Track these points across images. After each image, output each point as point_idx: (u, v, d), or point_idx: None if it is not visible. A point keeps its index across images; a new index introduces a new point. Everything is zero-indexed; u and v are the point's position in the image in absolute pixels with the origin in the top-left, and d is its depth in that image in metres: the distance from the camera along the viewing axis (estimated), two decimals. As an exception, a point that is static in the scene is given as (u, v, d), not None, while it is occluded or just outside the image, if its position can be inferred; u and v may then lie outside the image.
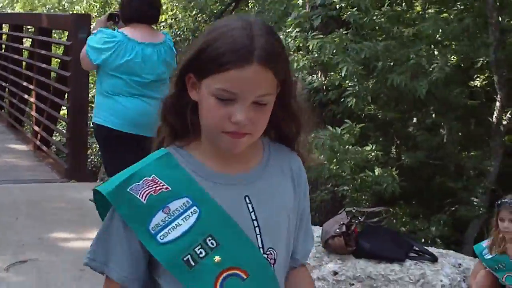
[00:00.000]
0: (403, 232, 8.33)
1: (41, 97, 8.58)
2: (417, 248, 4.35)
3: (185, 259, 1.35)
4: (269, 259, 1.42)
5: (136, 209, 1.37)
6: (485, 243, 4.12)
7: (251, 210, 1.42)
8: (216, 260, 1.35)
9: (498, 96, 9.20)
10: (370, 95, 8.68)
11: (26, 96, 9.57)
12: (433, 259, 4.22)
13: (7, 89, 10.80)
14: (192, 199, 1.38)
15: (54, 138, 9.77)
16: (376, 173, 7.90)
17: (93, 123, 4.69)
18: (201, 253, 1.35)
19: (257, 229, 1.42)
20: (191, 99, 1.40)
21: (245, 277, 1.37)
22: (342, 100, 8.42)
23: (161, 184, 1.39)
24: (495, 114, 9.45)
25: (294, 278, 1.57)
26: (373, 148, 8.14)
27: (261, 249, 1.41)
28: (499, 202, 4.11)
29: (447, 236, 9.11)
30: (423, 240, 8.49)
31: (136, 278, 1.42)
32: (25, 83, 9.34)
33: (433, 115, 10.23)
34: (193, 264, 1.35)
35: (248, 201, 1.43)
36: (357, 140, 8.01)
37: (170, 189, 1.38)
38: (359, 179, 8.09)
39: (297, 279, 1.57)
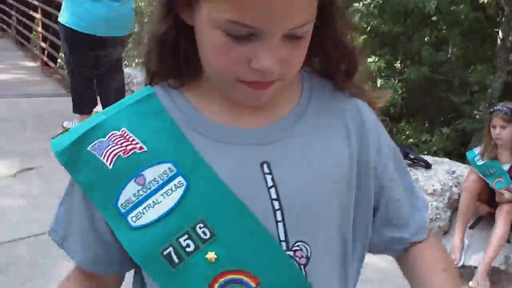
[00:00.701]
0: (400, 142, 8.43)
1: (47, 13, 8.60)
2: (412, 156, 4.46)
3: (165, 253, 0.93)
4: (296, 258, 0.95)
5: (100, 177, 0.96)
6: (477, 150, 4.23)
7: (270, 184, 0.95)
8: (209, 258, 0.92)
9: (505, 11, 9.11)
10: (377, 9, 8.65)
11: (32, 13, 9.59)
12: (427, 166, 4.35)
13: (14, 7, 10.81)
14: (178, 165, 0.94)
15: (61, 54, 9.88)
16: (379, 85, 7.93)
17: (58, 22, 5.06)
18: (188, 246, 0.93)
19: (278, 213, 0.94)
20: (183, 22, 0.95)
21: (254, 285, 0.92)
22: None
23: (133, 142, 0.96)
24: (501, 29, 9.39)
25: (409, 264, 1.10)
26: (376, 60, 8.15)
27: (284, 243, 0.94)
28: (491, 109, 4.20)
29: (450, 149, 9.23)
30: (425, 153, 8.61)
31: (105, 261, 1.02)
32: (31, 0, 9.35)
33: (439, 31, 10.16)
34: (177, 261, 0.93)
35: (266, 171, 0.95)
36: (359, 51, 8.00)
37: (146, 149, 0.95)
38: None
39: (415, 263, 1.09)
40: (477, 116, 9.02)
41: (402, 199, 1.08)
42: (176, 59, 0.98)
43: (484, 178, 4.11)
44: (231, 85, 0.91)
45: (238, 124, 0.98)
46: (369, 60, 8.07)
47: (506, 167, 4.07)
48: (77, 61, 5.00)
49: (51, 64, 8.79)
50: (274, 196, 0.94)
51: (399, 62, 10.28)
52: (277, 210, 0.94)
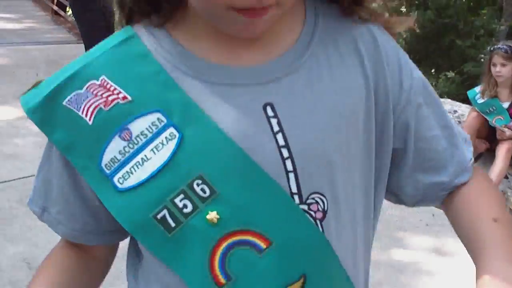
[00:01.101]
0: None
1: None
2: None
3: (158, 217, 0.81)
4: (311, 212, 0.83)
5: (79, 135, 0.84)
6: (478, 89, 4.37)
7: (276, 129, 0.81)
8: (210, 219, 0.80)
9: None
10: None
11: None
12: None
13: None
14: (168, 114, 0.82)
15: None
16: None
17: None
18: (185, 206, 0.81)
19: (288, 162, 0.81)
20: None
21: (264, 246, 0.81)
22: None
23: (115, 91, 0.83)
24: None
25: (454, 212, 0.94)
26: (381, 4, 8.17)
27: (296, 196, 0.82)
28: (491, 48, 4.31)
29: (455, 93, 9.30)
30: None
31: (96, 231, 0.92)
32: None
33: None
34: (174, 225, 0.81)
35: (271, 114, 0.82)
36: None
37: (130, 98, 0.83)
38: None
39: (459, 212, 0.92)
40: (482, 60, 9.08)
41: (435, 137, 0.92)
42: None
43: (484, 116, 4.25)
44: (221, 15, 0.77)
45: (235, 63, 0.84)
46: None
47: (505, 105, 4.21)
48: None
49: (61, 13, 8.89)
50: (282, 142, 0.81)
51: (404, 7, 10.27)
52: (287, 158, 0.81)
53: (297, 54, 0.85)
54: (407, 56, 0.93)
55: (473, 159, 0.96)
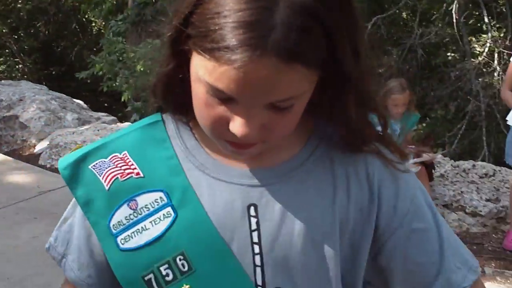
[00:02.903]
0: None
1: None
2: None
3: (146, 278, 0.96)
4: None
5: (96, 196, 1.00)
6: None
7: (254, 227, 0.95)
8: None
9: None
10: None
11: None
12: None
13: None
14: (170, 195, 0.97)
15: None
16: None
17: None
18: (167, 275, 0.96)
19: (257, 257, 0.94)
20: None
21: None
22: None
23: (131, 166, 0.99)
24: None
25: None
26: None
27: None
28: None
29: None
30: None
31: (96, 284, 1.06)
32: None
33: None
34: None
35: (252, 213, 0.95)
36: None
37: (142, 175, 0.99)
38: None
39: None
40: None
41: (424, 261, 0.99)
42: (181, 95, 0.96)
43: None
44: (215, 138, 0.92)
45: (235, 164, 0.97)
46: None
47: None
48: None
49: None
50: (255, 239, 0.93)
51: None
52: (257, 254, 0.93)
53: (291, 168, 0.97)
54: (408, 181, 1.01)
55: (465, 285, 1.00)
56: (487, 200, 4.74)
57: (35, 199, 5.11)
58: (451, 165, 5.32)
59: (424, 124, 10.29)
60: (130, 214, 0.97)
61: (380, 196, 0.98)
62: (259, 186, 0.96)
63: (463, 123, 8.22)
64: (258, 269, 0.94)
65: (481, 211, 4.73)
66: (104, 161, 1.00)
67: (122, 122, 7.29)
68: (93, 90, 12.25)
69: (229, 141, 0.89)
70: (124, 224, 0.97)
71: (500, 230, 4.60)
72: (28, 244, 4.16)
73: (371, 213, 0.97)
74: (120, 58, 8.17)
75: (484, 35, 9.61)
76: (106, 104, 12.35)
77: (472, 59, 8.79)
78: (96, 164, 1.01)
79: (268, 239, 0.94)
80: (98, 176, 0.99)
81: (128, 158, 1.00)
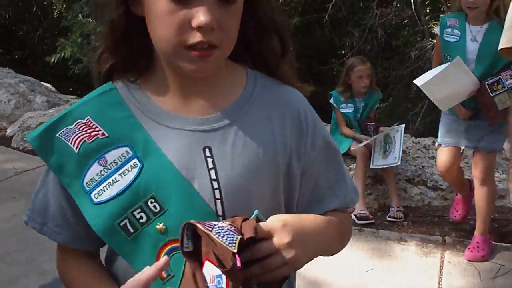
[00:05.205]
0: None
1: None
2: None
3: (121, 224, 1.09)
4: None
5: (68, 159, 1.11)
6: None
7: (210, 166, 1.10)
8: (159, 228, 1.09)
9: None
10: None
11: None
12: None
13: None
14: (134, 148, 1.11)
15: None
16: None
17: None
18: (141, 217, 1.09)
19: (216, 191, 1.10)
20: (135, 17, 1.10)
21: None
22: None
23: (96, 129, 1.12)
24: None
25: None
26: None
27: (221, 218, 1.10)
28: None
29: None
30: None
31: (86, 236, 1.16)
32: None
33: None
34: (132, 231, 1.10)
35: (208, 154, 1.11)
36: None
37: (107, 135, 1.11)
38: None
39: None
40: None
41: (324, 187, 1.23)
42: (130, 49, 1.13)
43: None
44: (178, 55, 1.04)
45: (186, 113, 1.13)
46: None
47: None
48: None
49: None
50: (213, 177, 1.10)
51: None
52: (216, 189, 1.09)
53: (234, 112, 1.14)
54: (319, 120, 1.25)
55: (346, 204, 1.27)
56: (447, 175, 4.90)
57: (12, 179, 5.21)
58: (412, 141, 5.52)
59: (386, 104, 10.50)
60: (101, 170, 1.10)
61: (305, 133, 1.18)
62: (211, 130, 1.12)
63: (424, 101, 8.41)
64: (218, 202, 1.10)
65: (441, 185, 4.90)
66: (70, 128, 1.12)
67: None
68: (57, 74, 12.17)
69: (193, 48, 1.02)
70: (96, 181, 1.10)
71: (460, 203, 4.77)
72: (8, 221, 4.27)
73: (302, 143, 1.18)
74: (88, 41, 8.15)
75: (442, 15, 9.81)
76: (71, 89, 12.24)
77: (431, 39, 9.00)
78: (63, 131, 1.12)
79: (224, 175, 1.10)
80: (67, 142, 1.11)
81: (92, 122, 1.12)
